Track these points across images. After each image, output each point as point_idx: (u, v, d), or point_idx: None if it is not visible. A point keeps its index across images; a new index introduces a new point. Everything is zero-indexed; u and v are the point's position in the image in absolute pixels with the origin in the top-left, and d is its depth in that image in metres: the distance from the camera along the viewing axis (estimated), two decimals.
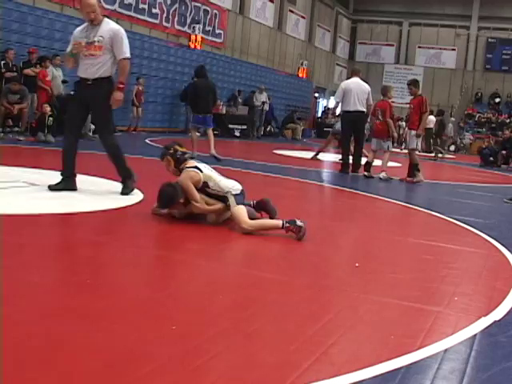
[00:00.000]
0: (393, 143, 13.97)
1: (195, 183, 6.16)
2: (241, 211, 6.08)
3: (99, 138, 7.77)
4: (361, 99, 13.42)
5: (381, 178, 12.70)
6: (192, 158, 6.55)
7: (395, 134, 13.72)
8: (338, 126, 16.37)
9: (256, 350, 3.15)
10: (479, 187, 13.47)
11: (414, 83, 13.21)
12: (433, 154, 23.74)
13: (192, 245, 5.59)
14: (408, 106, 13.66)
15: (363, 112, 13.57)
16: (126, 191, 7.39)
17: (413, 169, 12.91)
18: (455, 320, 3.92)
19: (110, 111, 7.52)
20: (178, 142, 6.54)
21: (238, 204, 6.14)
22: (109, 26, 7.42)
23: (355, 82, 13.74)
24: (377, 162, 13.49)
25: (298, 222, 5.97)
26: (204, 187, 6.21)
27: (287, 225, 5.96)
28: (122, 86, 7.35)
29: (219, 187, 6.22)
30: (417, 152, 13.13)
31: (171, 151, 6.36)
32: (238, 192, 6.26)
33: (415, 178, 12.74)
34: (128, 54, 7.40)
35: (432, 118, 23.41)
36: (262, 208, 6.45)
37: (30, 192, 7.18)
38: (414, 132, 12.96)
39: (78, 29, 7.59)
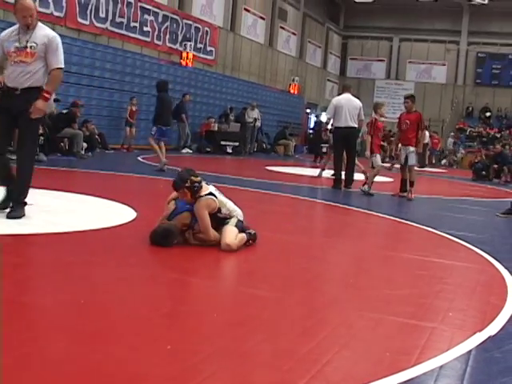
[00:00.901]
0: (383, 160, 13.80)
1: (211, 211, 6.08)
2: (231, 230, 6.07)
3: (17, 150, 6.96)
4: (352, 115, 13.47)
5: (362, 191, 12.77)
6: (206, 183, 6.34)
7: (367, 153, 13.36)
8: None
9: (251, 368, 3.14)
10: (472, 201, 13.50)
11: (412, 98, 12.99)
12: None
13: (186, 263, 5.57)
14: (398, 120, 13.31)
15: (355, 128, 13.64)
16: (16, 215, 6.46)
17: (407, 185, 12.77)
18: (450, 336, 3.92)
19: (38, 124, 6.85)
20: (192, 171, 6.22)
21: (238, 229, 6.14)
22: (44, 31, 6.63)
23: (346, 97, 13.80)
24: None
25: (252, 232, 6.32)
26: (216, 213, 6.17)
27: (250, 241, 6.26)
28: (47, 95, 6.55)
29: (228, 210, 6.21)
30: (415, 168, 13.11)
31: (188, 184, 6.07)
32: (242, 219, 6.30)
33: (410, 194, 12.59)
34: (62, 64, 6.60)
35: (426, 132, 23.33)
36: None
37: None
38: (412, 149, 12.66)
39: (6, 32, 6.74)
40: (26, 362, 2.95)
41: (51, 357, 3.06)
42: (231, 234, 6.03)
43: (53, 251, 5.40)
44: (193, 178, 6.08)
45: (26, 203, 6.63)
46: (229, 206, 6.26)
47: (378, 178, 17.65)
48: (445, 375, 3.28)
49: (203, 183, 6.20)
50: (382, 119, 13.22)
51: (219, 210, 6.15)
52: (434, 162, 32.80)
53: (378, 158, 13.20)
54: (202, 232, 6.05)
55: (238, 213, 6.30)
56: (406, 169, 12.87)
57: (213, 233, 6.06)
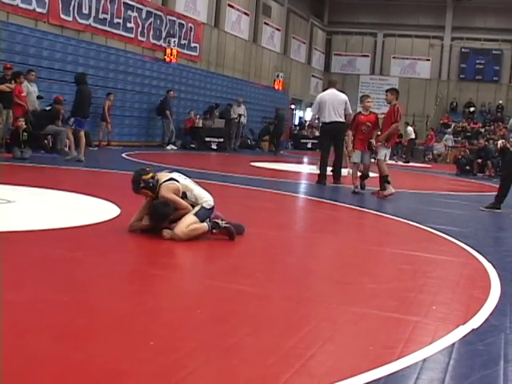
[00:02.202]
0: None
1: (175, 193, 6.15)
2: (189, 220, 6.07)
3: None
4: (336, 109, 13.39)
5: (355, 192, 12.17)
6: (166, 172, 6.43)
7: (349, 148, 13.18)
8: None
9: (235, 364, 3.14)
10: (455, 196, 13.55)
11: (391, 90, 12.62)
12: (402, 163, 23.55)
13: (169, 259, 5.56)
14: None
15: (341, 122, 13.49)
16: None
17: (382, 181, 12.18)
18: (433, 329, 3.92)
19: None
20: (142, 170, 6.28)
21: (199, 218, 6.14)
22: None
23: (330, 93, 13.76)
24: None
25: (222, 224, 6.20)
26: (182, 197, 6.19)
27: (214, 230, 6.18)
28: None
29: (195, 197, 6.21)
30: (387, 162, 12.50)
31: (142, 184, 6.17)
32: (209, 207, 6.27)
33: (386, 190, 11.95)
34: None
35: (410, 128, 23.32)
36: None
37: (5, 209, 7.13)
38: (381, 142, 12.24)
39: None
40: (8, 361, 2.93)
41: (33, 355, 3.04)
42: (184, 223, 6.04)
43: (35, 248, 5.37)
44: (144, 177, 6.14)
45: None
46: (196, 192, 6.27)
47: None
48: (428, 368, 3.29)
49: (162, 173, 6.29)
50: (367, 112, 12.61)
51: (184, 194, 6.19)
52: (432, 158, 32.81)
53: (355, 153, 12.50)
54: (181, 209, 6.12)
55: (206, 200, 6.27)
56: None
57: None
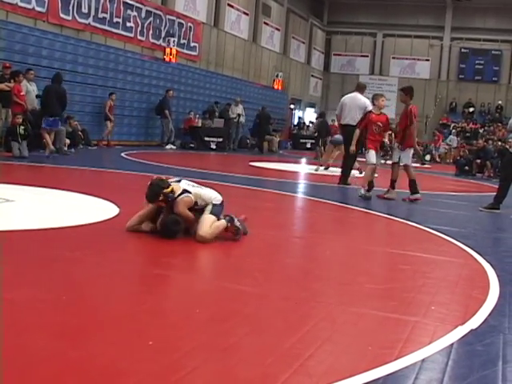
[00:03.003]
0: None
1: (189, 206, 6.22)
2: (209, 220, 6.15)
3: None
4: (352, 113, 13.20)
5: (360, 196, 11.38)
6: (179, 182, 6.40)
7: (352, 148, 12.29)
8: (337, 136, 17.51)
9: (233, 363, 3.14)
10: (455, 196, 13.56)
11: (405, 89, 11.91)
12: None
13: (168, 259, 5.56)
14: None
15: (353, 126, 13.06)
16: None
17: (410, 184, 11.66)
18: (432, 329, 3.93)
19: None
20: (162, 182, 6.19)
21: (215, 215, 6.18)
22: None
23: (352, 96, 13.68)
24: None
25: (236, 222, 6.29)
26: (193, 207, 6.26)
27: (228, 224, 6.24)
28: None
29: (204, 201, 6.25)
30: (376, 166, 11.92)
31: (161, 198, 6.14)
32: (219, 203, 6.34)
33: (388, 193, 11.68)
34: None
35: None
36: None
37: (4, 208, 7.13)
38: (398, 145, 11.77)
39: None
40: (7, 359, 2.93)
41: (32, 354, 3.04)
42: (206, 223, 6.11)
43: (34, 247, 5.37)
44: (165, 191, 6.11)
45: None
46: (203, 195, 6.31)
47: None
48: (427, 368, 3.29)
49: (174, 184, 6.25)
50: (378, 112, 11.81)
51: (196, 203, 6.24)
52: (432, 159, 32.61)
53: (370, 153, 11.82)
54: (189, 223, 6.21)
55: (214, 197, 6.35)
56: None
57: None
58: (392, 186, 11.74)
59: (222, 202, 6.40)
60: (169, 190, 6.12)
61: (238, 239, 6.28)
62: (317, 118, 27.71)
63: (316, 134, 24.56)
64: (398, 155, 11.72)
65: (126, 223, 6.28)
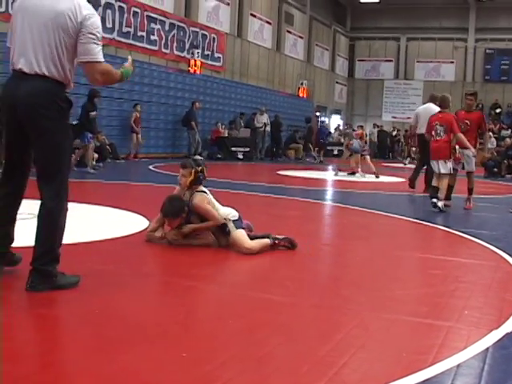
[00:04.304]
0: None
1: (208, 203, 6.31)
2: (241, 234, 6.20)
3: None
4: (424, 123, 12.88)
5: (439, 208, 10.42)
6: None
7: (473, 150, 10.98)
8: (355, 144, 18.01)
9: (268, 373, 3.14)
10: (484, 199, 13.42)
11: (475, 95, 11.65)
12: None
13: (199, 270, 5.58)
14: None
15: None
16: (39, 287, 4.39)
17: (469, 193, 11.23)
18: (467, 334, 3.90)
19: None
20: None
21: (237, 228, 6.24)
22: None
23: (426, 107, 13.63)
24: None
25: (280, 236, 6.37)
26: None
27: (275, 241, 6.32)
28: None
29: (224, 215, 6.28)
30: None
31: (199, 169, 6.38)
32: (236, 218, 6.35)
33: (469, 202, 11.18)
34: None
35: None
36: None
37: (33, 223, 7.18)
38: (471, 152, 10.94)
39: None
40: (43, 374, 2.96)
41: (67, 368, 3.07)
42: (241, 238, 6.16)
43: (65, 262, 5.41)
44: (204, 169, 6.42)
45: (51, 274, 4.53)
46: (221, 211, 6.36)
47: (386, 179, 17.67)
48: (462, 374, 3.27)
49: (201, 186, 6.44)
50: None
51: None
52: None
53: (448, 163, 10.83)
54: (211, 220, 6.23)
55: (229, 213, 6.37)
56: (455, 174, 11.17)
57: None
58: (469, 193, 11.29)
59: (239, 216, 6.40)
60: (200, 168, 6.34)
61: (295, 248, 6.37)
62: (307, 123, 29.23)
63: (303, 139, 25.50)
64: (473, 163, 11.25)
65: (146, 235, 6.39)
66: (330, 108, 41.99)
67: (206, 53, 26.24)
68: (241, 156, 25.09)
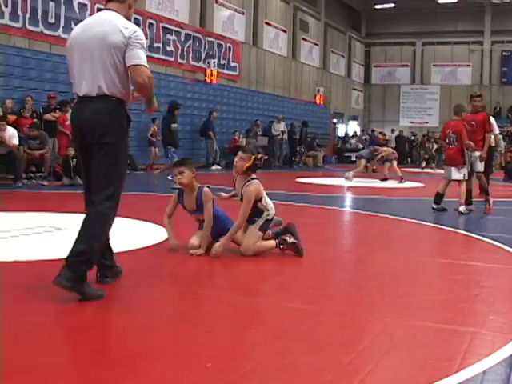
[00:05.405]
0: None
1: (257, 196, 6.34)
2: (257, 236, 6.30)
3: None
4: None
5: (461, 212, 10.75)
6: None
7: (484, 155, 11.22)
8: (363, 151, 18.94)
9: (292, 382, 3.12)
10: (505, 202, 13.34)
11: (481, 96, 11.70)
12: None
13: (220, 280, 5.58)
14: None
15: None
16: (64, 283, 4.45)
17: (486, 195, 11.35)
18: (492, 340, 3.86)
19: None
20: (264, 154, 6.60)
21: (263, 230, 6.35)
22: None
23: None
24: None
25: (289, 240, 6.35)
26: (258, 201, 6.39)
27: (281, 246, 6.37)
28: None
29: (266, 203, 6.40)
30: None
31: (258, 156, 6.45)
32: (270, 218, 6.45)
33: (489, 205, 11.12)
34: None
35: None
36: (287, 232, 6.51)
37: (55, 236, 7.23)
38: (477, 154, 11.13)
39: None
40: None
41: (94, 380, 3.07)
42: (252, 239, 6.27)
43: (88, 274, 5.43)
44: (263, 156, 6.54)
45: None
46: (266, 199, 6.45)
47: (407, 184, 17.61)
48: (489, 380, 3.24)
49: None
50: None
51: (260, 199, 6.39)
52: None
53: (465, 170, 11.12)
54: (241, 214, 6.26)
55: (271, 208, 6.45)
56: (472, 178, 11.33)
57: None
58: (486, 195, 11.42)
59: (273, 217, 6.48)
60: (259, 156, 6.43)
61: (302, 255, 6.35)
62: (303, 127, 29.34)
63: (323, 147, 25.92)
64: (481, 164, 11.36)
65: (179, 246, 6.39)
66: (347, 114, 41.95)
67: (222, 62, 26.33)
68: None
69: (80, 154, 5.01)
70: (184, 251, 6.33)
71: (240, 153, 6.48)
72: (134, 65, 4.67)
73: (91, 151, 4.74)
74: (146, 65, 4.70)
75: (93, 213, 4.73)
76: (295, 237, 6.44)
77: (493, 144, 14.69)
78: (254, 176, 6.46)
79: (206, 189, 6.43)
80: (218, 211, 6.56)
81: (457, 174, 10.97)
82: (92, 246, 4.62)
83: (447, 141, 11.14)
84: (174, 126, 15.31)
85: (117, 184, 4.82)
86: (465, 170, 11.00)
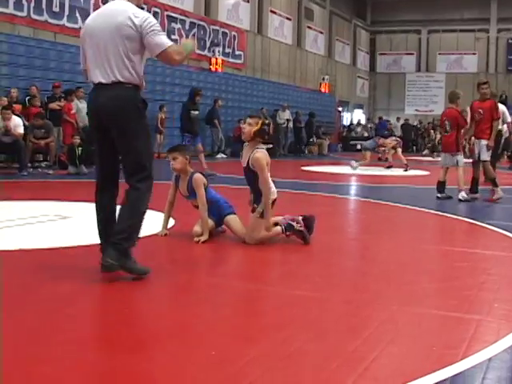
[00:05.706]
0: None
1: (267, 162, 6.33)
2: (263, 225, 6.24)
3: None
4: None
5: (460, 199, 10.82)
6: None
7: (492, 144, 11.13)
8: (368, 141, 19.41)
9: (297, 370, 3.12)
10: (510, 190, 13.30)
11: (488, 83, 11.43)
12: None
13: (225, 267, 5.58)
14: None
15: None
16: (115, 265, 4.73)
17: (491, 184, 11.22)
18: (497, 327, 3.86)
19: None
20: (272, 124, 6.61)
21: (263, 216, 6.25)
22: None
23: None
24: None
25: (297, 227, 6.32)
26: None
27: (287, 232, 6.34)
28: None
29: (271, 184, 6.37)
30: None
31: (267, 121, 6.45)
32: (273, 199, 6.37)
33: (495, 194, 11.04)
34: None
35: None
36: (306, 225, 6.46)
37: (60, 224, 7.24)
38: (484, 142, 11.04)
39: None
40: (70, 375, 2.98)
41: (97, 369, 3.08)
42: (258, 227, 6.24)
43: (92, 263, 5.44)
44: (270, 122, 6.52)
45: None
46: (270, 182, 6.37)
47: (412, 172, 17.60)
48: (494, 367, 3.23)
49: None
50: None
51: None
52: None
53: (460, 156, 11.27)
54: (263, 184, 6.22)
55: (274, 192, 6.40)
56: (479, 166, 11.28)
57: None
58: (495, 185, 11.25)
59: (274, 200, 6.40)
60: (267, 121, 6.48)
61: (308, 243, 6.35)
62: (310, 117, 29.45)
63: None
64: (488, 153, 11.21)
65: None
66: (352, 103, 41.86)
67: (227, 50, 26.28)
68: None
69: (96, 139, 5.09)
70: (189, 238, 6.33)
71: (248, 118, 6.48)
72: (160, 53, 4.82)
73: (109, 135, 4.86)
74: (169, 43, 4.81)
75: (131, 192, 4.89)
76: (310, 231, 6.43)
77: (506, 134, 14.67)
78: (261, 146, 6.40)
79: (196, 174, 6.47)
80: (213, 195, 6.57)
81: (451, 161, 11.25)
82: (132, 224, 4.83)
83: (444, 128, 11.44)
84: (194, 113, 14.81)
85: (148, 166, 4.98)
86: (459, 157, 11.17)
